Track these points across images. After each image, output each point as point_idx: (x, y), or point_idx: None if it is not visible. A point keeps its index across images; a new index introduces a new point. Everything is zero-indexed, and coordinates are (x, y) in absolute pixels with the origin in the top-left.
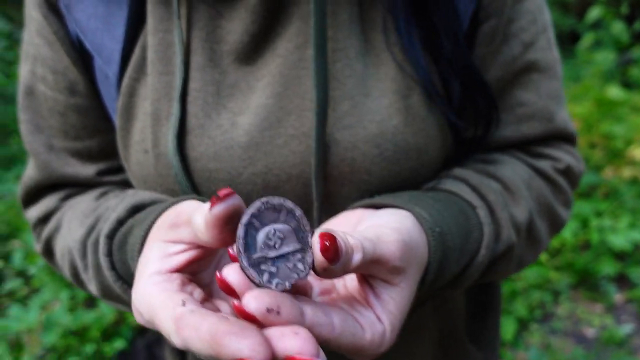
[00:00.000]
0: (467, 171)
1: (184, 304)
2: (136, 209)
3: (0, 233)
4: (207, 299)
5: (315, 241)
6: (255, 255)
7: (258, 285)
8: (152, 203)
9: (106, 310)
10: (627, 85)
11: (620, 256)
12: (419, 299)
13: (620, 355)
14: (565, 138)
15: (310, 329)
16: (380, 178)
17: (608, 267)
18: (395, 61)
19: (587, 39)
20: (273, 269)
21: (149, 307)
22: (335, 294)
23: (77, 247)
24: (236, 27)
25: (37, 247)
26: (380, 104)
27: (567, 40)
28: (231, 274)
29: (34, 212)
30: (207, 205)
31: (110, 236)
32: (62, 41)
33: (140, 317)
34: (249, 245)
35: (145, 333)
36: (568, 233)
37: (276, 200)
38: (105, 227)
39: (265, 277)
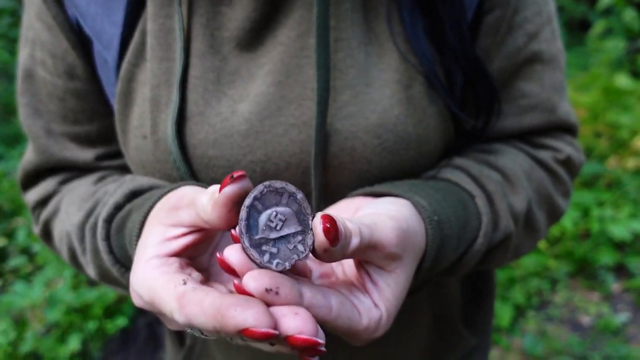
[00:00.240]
0: (468, 161)
1: (185, 282)
2: (134, 194)
3: (5, 210)
4: (205, 282)
5: (317, 222)
6: (257, 237)
7: (259, 266)
8: (150, 188)
9: (108, 289)
10: (636, 74)
11: (619, 246)
12: (415, 285)
13: (615, 343)
14: (567, 129)
15: (308, 310)
16: (380, 168)
17: (607, 257)
18: (398, 51)
19: (598, 27)
20: (274, 250)
21: (149, 289)
22: (335, 278)
23: (75, 231)
24: (238, 13)
25: (36, 229)
26: (382, 94)
27: (578, 28)
28: (232, 254)
29: (33, 195)
30: (214, 187)
31: (109, 220)
32: (61, 25)
33: (140, 300)
34: (251, 226)
35: (146, 312)
36: (568, 222)
37: (278, 184)
38: (103, 212)
39: (266, 257)
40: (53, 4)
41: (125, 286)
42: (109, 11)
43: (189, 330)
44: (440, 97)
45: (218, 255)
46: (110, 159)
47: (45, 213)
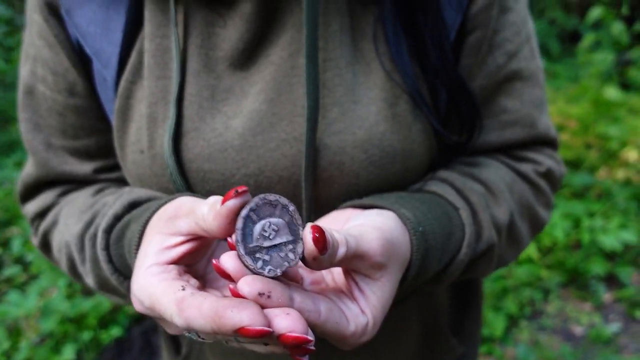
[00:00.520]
0: (452, 174)
1: (183, 288)
2: (133, 205)
3: None
4: (202, 289)
5: (307, 232)
6: (251, 245)
7: (253, 272)
8: (148, 200)
9: (103, 299)
10: (626, 86)
11: (610, 256)
12: (402, 294)
13: (607, 353)
14: (547, 142)
15: None
16: (367, 181)
17: (598, 267)
18: (384, 70)
19: (587, 40)
20: (267, 257)
21: (149, 295)
22: (324, 285)
23: (75, 241)
24: (231, 34)
25: (34, 240)
26: (368, 111)
27: (569, 40)
28: (228, 260)
29: (32, 207)
30: (214, 198)
31: (108, 231)
32: (62, 44)
33: (140, 306)
34: (246, 235)
35: (141, 321)
36: (560, 232)
37: (272, 196)
38: (103, 222)
39: (259, 264)
40: (55, 24)
41: (123, 295)
42: (108, 31)
43: (187, 334)
44: (424, 114)
45: (214, 261)
46: (108, 171)
47: (44, 224)
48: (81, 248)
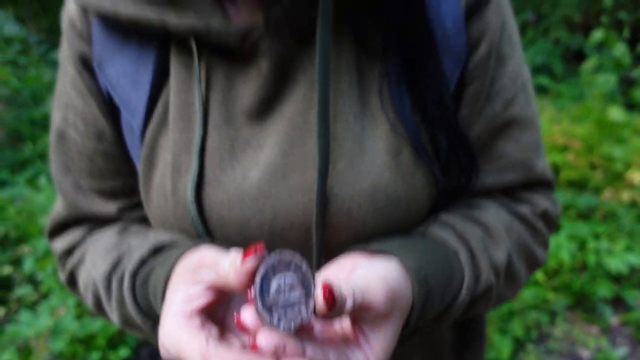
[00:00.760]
0: (453, 217)
1: (207, 340)
2: (157, 250)
3: (10, 238)
4: (222, 334)
5: (318, 291)
6: (268, 301)
7: (269, 325)
8: (172, 244)
9: None
10: (630, 106)
11: (616, 279)
12: (404, 335)
13: None
14: (544, 184)
15: None
16: (373, 227)
17: (604, 290)
18: (388, 123)
19: (590, 62)
20: (282, 312)
21: (176, 344)
22: (333, 332)
23: (102, 280)
24: (249, 89)
25: (62, 276)
26: (374, 161)
27: (573, 59)
28: (247, 316)
29: (59, 244)
30: (235, 255)
31: (134, 274)
32: (93, 95)
33: (167, 353)
34: (263, 291)
35: (149, 343)
36: (565, 254)
37: (288, 256)
38: (130, 265)
39: (275, 319)
40: (87, 76)
41: (145, 332)
42: (136, 84)
43: None
44: (425, 163)
45: (236, 315)
46: (132, 210)
47: (71, 262)
48: (108, 287)
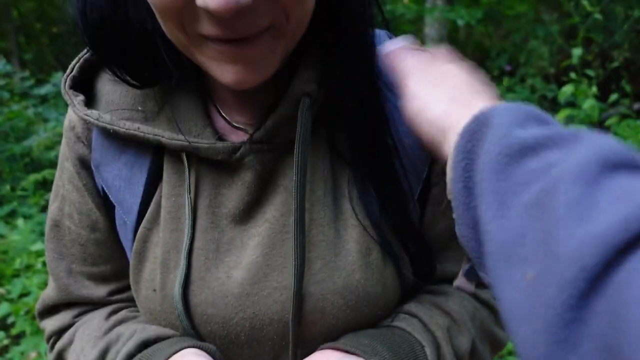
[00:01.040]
0: (420, 307)
1: None
2: (144, 345)
3: None
4: None
5: None
6: None
7: None
8: (157, 339)
9: None
10: None
11: None
12: None
13: None
14: None
15: None
16: (345, 322)
17: None
18: (359, 226)
19: (561, 114)
20: None
21: None
22: None
23: None
24: (234, 196)
25: (50, 356)
26: (346, 262)
27: (549, 109)
28: None
29: (49, 325)
30: None
31: None
32: (89, 191)
33: None
34: None
35: None
36: None
37: None
38: (117, 359)
39: None
40: (84, 175)
41: None
42: (131, 185)
43: None
44: (392, 261)
45: None
46: (120, 293)
47: (60, 344)
48: None
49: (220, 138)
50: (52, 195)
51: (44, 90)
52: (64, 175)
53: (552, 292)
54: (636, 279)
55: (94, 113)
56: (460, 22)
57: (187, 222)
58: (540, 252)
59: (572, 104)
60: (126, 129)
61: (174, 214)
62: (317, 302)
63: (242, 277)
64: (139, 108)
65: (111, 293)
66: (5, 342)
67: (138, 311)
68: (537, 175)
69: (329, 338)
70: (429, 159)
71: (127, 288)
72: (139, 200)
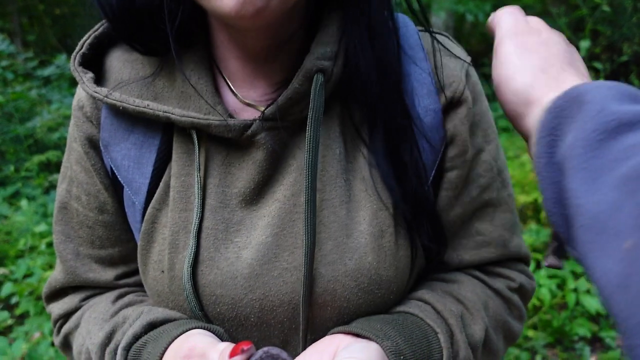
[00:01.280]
0: (433, 294)
1: None
2: (150, 326)
3: None
4: None
5: None
6: None
7: None
8: (164, 321)
9: None
10: None
11: (595, 318)
12: None
13: None
14: (519, 259)
15: None
16: (356, 305)
17: (583, 329)
18: (372, 207)
19: None
20: None
21: None
22: None
23: (96, 350)
24: (244, 174)
25: (56, 340)
26: (358, 244)
27: None
28: None
29: (56, 308)
30: (226, 348)
31: (127, 348)
32: (97, 172)
33: None
34: None
35: None
36: (546, 293)
37: (275, 350)
38: (123, 340)
39: None
40: (93, 154)
41: None
42: (140, 165)
43: None
44: (406, 244)
45: None
46: (128, 277)
47: (67, 327)
48: (102, 357)
49: (231, 116)
50: (59, 178)
51: (48, 71)
52: (72, 157)
53: None
54: None
55: (103, 90)
56: (469, 17)
57: (196, 202)
58: (638, 224)
59: None
60: (135, 106)
61: (183, 194)
62: (327, 283)
63: (251, 257)
64: (149, 86)
65: (118, 277)
66: (10, 322)
67: (145, 295)
68: (635, 150)
69: (340, 322)
70: (444, 141)
71: (135, 272)
72: (147, 180)
